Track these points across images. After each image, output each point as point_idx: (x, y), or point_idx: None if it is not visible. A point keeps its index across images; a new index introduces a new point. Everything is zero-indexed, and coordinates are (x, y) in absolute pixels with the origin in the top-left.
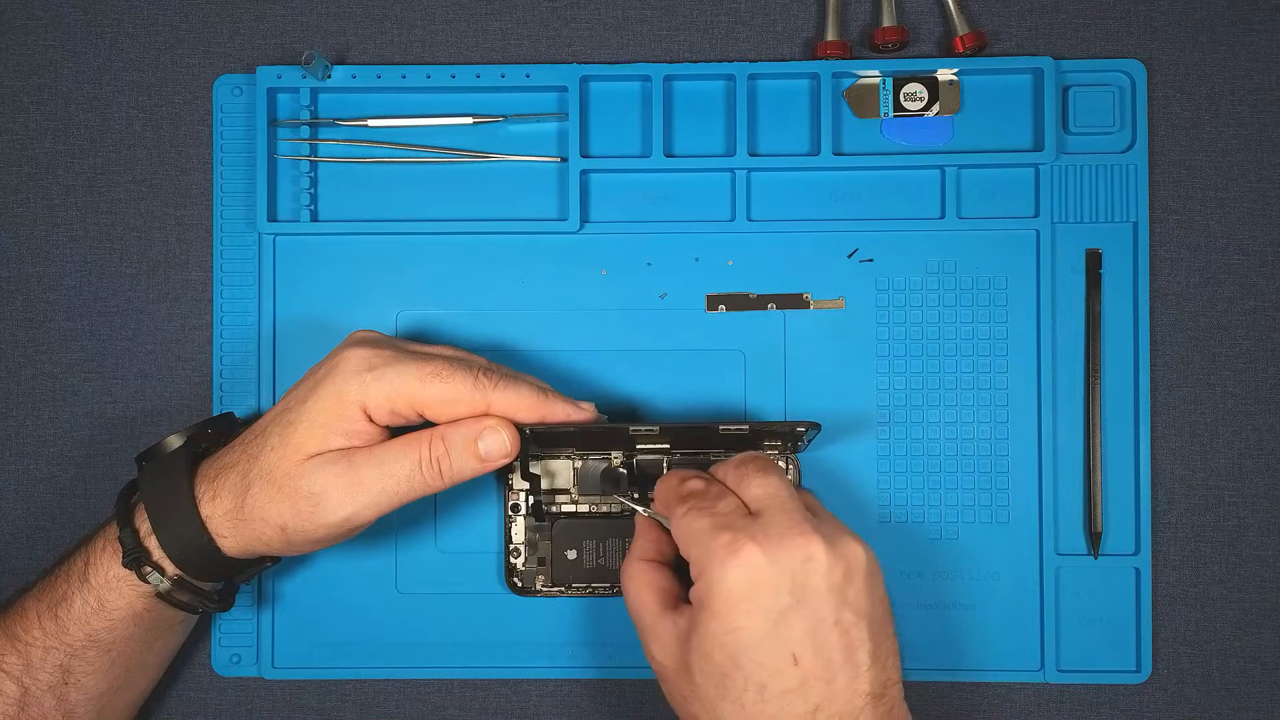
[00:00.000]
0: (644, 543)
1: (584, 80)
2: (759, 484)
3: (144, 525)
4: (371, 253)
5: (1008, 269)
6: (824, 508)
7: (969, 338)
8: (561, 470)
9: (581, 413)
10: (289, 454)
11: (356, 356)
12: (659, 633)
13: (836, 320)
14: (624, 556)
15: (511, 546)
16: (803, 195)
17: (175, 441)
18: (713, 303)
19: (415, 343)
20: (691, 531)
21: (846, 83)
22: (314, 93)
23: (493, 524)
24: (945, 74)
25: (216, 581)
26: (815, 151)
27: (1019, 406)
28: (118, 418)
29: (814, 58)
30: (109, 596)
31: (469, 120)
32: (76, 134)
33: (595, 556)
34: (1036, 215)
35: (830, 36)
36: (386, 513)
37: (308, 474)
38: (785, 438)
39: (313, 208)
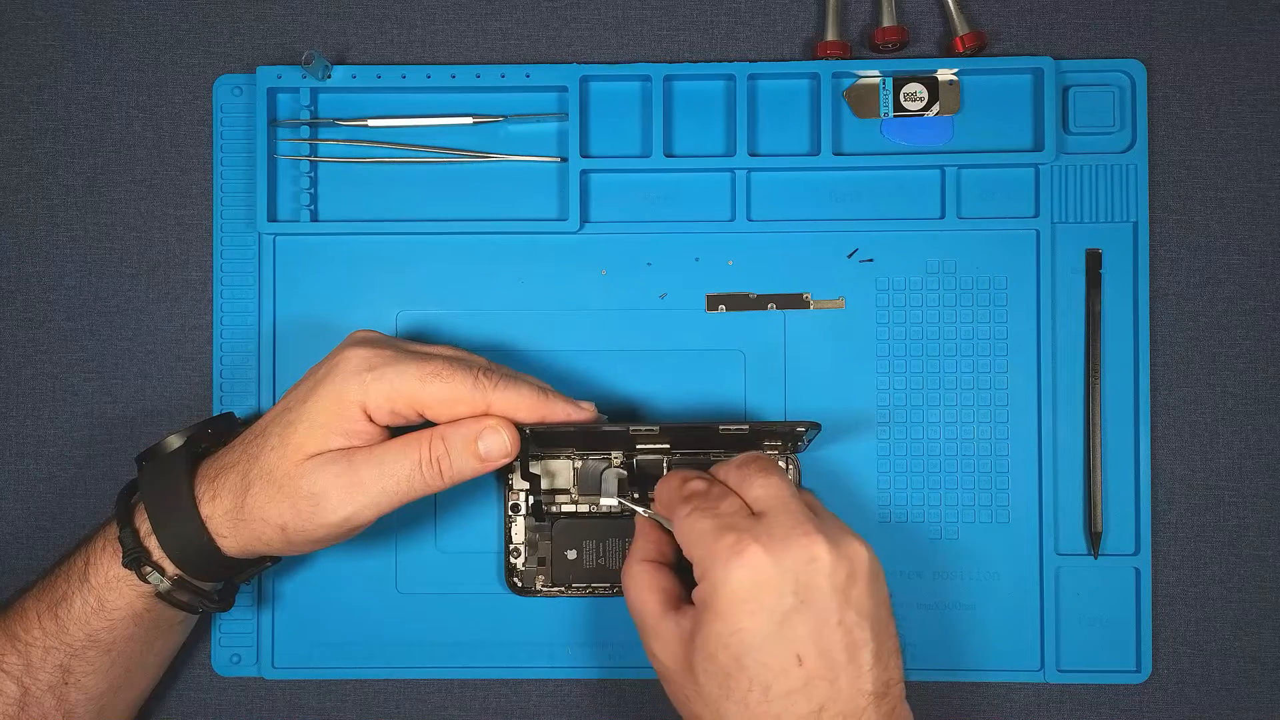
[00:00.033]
0: (644, 543)
1: (584, 80)
2: (761, 484)
3: (144, 525)
4: (371, 253)
5: (1008, 269)
6: (825, 508)
7: (969, 338)
8: (561, 470)
9: (581, 412)
10: (289, 454)
11: (356, 356)
12: (661, 633)
13: (836, 320)
14: (624, 557)
15: (511, 546)
16: (803, 195)
17: (175, 441)
18: (713, 303)
19: (415, 343)
20: (695, 532)
21: (846, 83)
22: (314, 93)
23: (493, 524)
24: (945, 74)
25: (216, 581)
26: (815, 151)
27: (1019, 406)
28: (118, 418)
29: (814, 58)
30: (109, 596)
31: (469, 120)
32: (76, 134)
33: (595, 556)
34: (1036, 215)
35: (830, 36)
36: (386, 513)
37: (308, 474)
38: (785, 438)
39: (313, 208)
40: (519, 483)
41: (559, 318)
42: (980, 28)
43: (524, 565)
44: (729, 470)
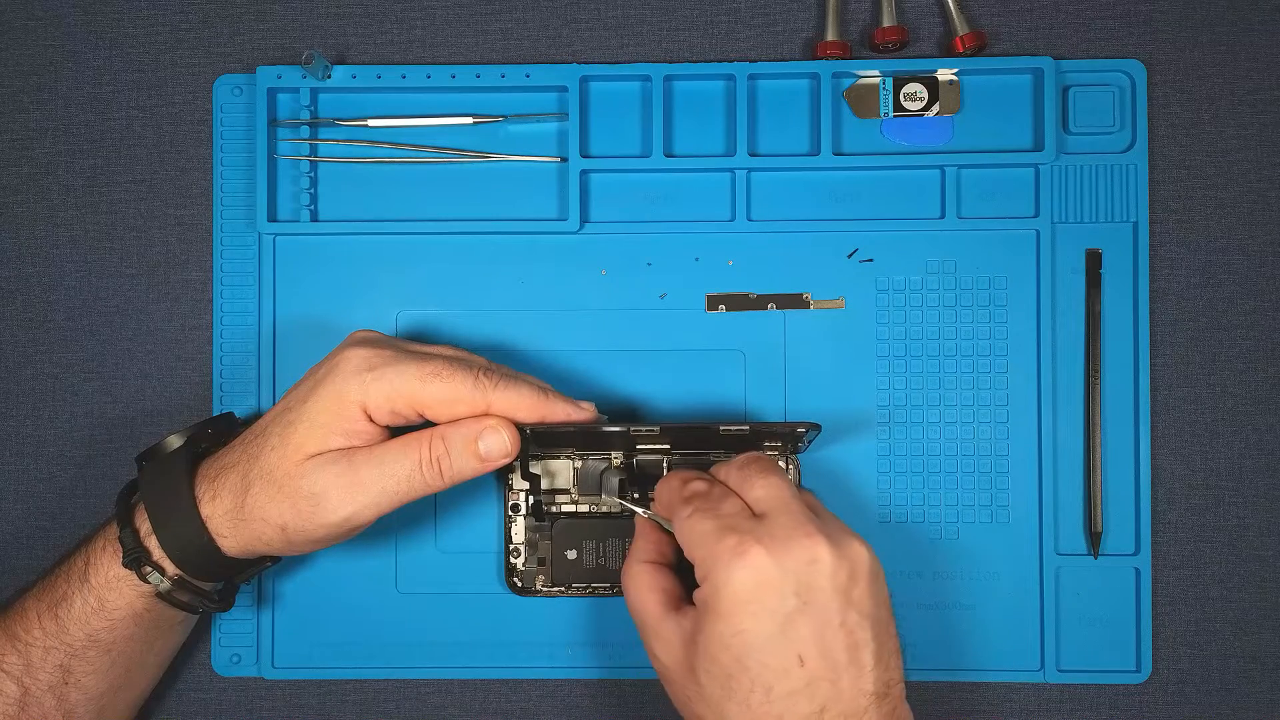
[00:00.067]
0: (644, 544)
1: (584, 80)
2: (762, 485)
3: (144, 525)
4: (371, 253)
5: (1008, 269)
6: (825, 508)
7: (969, 338)
8: (561, 470)
9: (581, 412)
10: (289, 454)
11: (356, 356)
12: (662, 634)
13: (836, 320)
14: (624, 557)
15: (511, 546)
16: (803, 195)
17: (175, 441)
18: (713, 303)
19: (415, 343)
20: (696, 534)
21: (846, 83)
22: (314, 93)
23: (493, 524)
24: (945, 74)
25: (216, 581)
26: (815, 151)
27: (1019, 406)
28: (118, 418)
29: (814, 58)
30: (109, 596)
31: (469, 120)
32: (76, 134)
33: (595, 556)
34: (1036, 215)
35: (830, 36)
36: (386, 512)
37: (308, 474)
38: (785, 438)
39: (313, 208)
40: (519, 483)
41: (559, 318)
42: (980, 28)
43: (524, 565)
44: (730, 471)
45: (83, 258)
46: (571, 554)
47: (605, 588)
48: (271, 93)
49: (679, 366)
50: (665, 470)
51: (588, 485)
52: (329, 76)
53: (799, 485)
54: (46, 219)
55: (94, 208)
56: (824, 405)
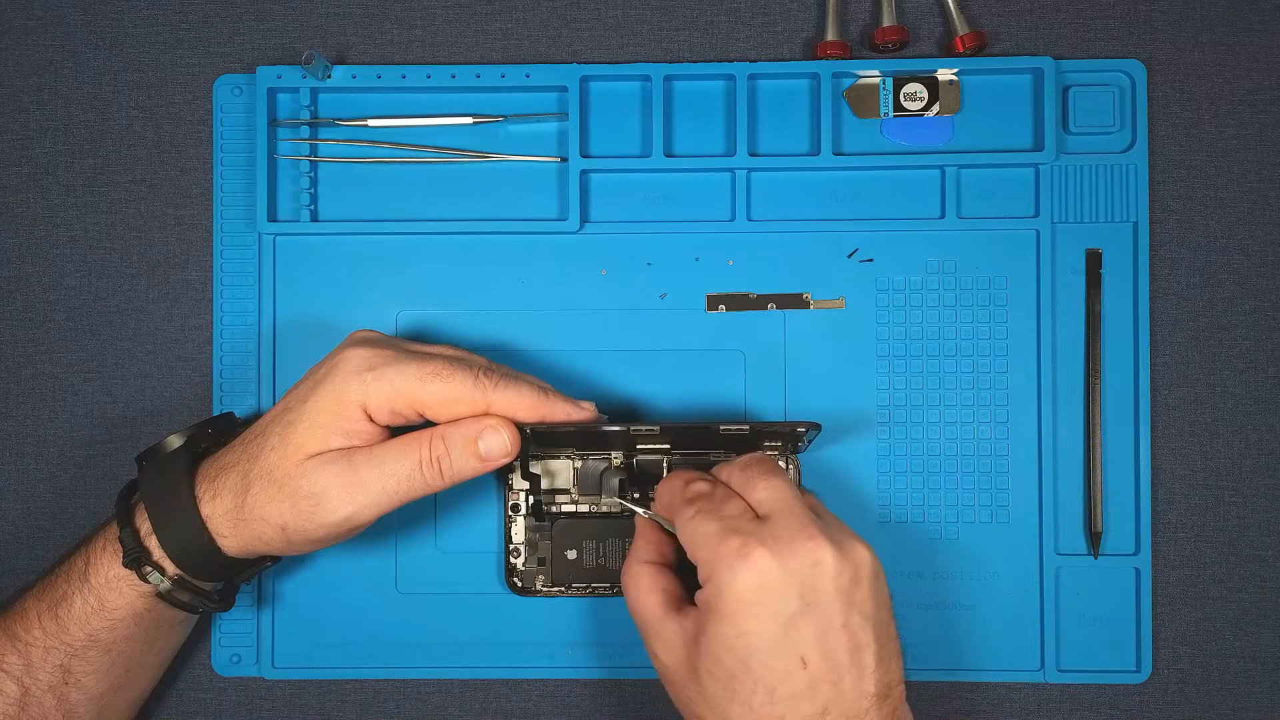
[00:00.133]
0: (645, 545)
1: (584, 80)
2: (765, 487)
3: (144, 525)
4: (371, 253)
5: (1008, 269)
6: (827, 510)
7: (969, 338)
8: (561, 470)
9: (582, 412)
10: (289, 454)
11: (356, 356)
12: (664, 635)
13: (836, 320)
14: (624, 557)
15: (511, 546)
16: (803, 195)
17: (175, 441)
18: (713, 303)
19: (415, 342)
20: (699, 535)
21: (846, 83)
22: (314, 93)
23: (493, 524)
24: (945, 74)
25: (217, 581)
26: (815, 151)
27: (1019, 406)
28: (118, 418)
29: (814, 58)
30: (109, 596)
31: (469, 120)
32: (76, 134)
33: (595, 556)
34: (1036, 215)
35: (830, 36)
36: (387, 512)
37: (308, 474)
38: (785, 438)
39: (313, 208)
40: (519, 483)
41: (559, 318)
42: (980, 28)
43: (524, 565)
44: (732, 472)
45: (83, 258)
46: (571, 554)
47: (605, 588)
48: (271, 93)
49: (679, 366)
50: (665, 470)
51: (588, 485)
52: (329, 76)
53: (800, 486)
54: (46, 219)
55: (94, 208)
56: (824, 405)
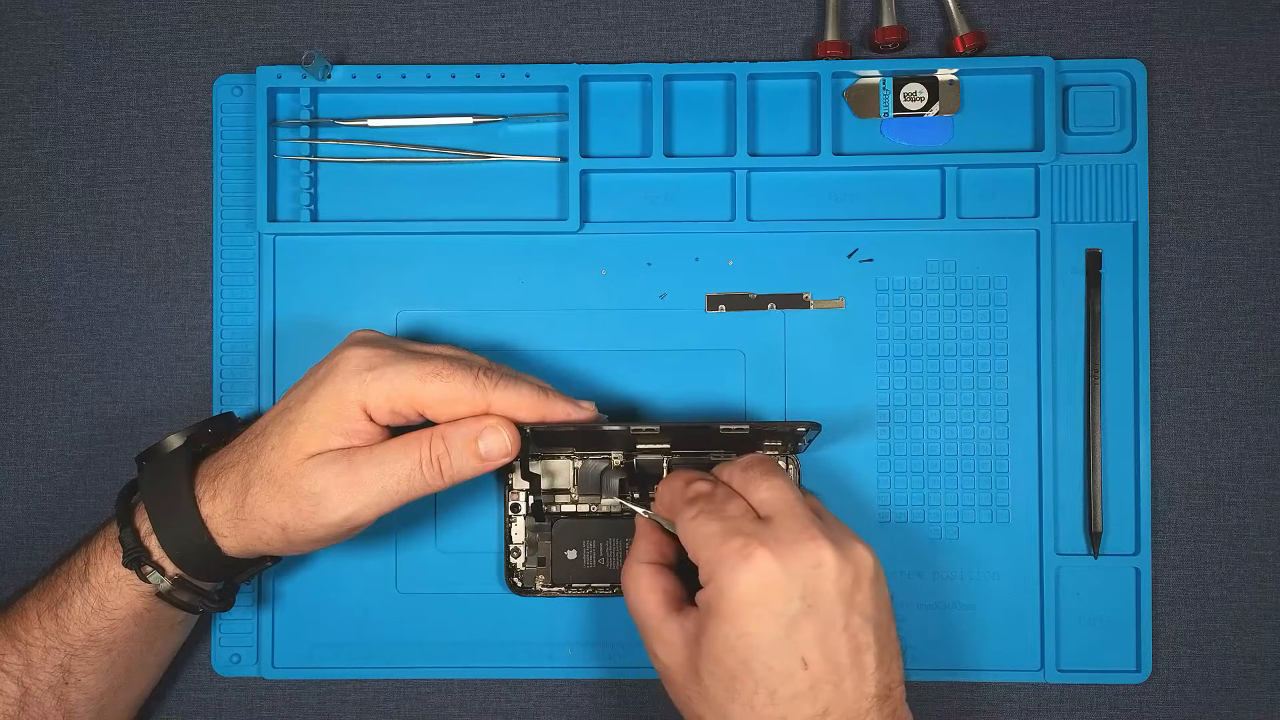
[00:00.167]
0: (645, 545)
1: (584, 80)
2: (767, 487)
3: (144, 525)
4: (371, 253)
5: (1008, 269)
6: (829, 511)
7: (969, 338)
8: (561, 470)
9: (582, 412)
10: (289, 453)
11: (356, 356)
12: (664, 635)
13: (836, 320)
14: (624, 557)
15: (511, 546)
16: (803, 195)
17: (175, 441)
18: (713, 303)
19: (415, 342)
20: (700, 535)
21: (846, 83)
22: (314, 93)
23: (493, 524)
24: (945, 74)
25: (217, 581)
26: (815, 151)
27: (1019, 406)
28: (118, 418)
29: (814, 58)
30: (109, 596)
31: (469, 120)
32: (76, 134)
33: (595, 556)
34: (1036, 215)
35: (830, 36)
36: (387, 512)
37: (308, 473)
38: (785, 438)
39: (313, 208)
40: (519, 483)
41: (559, 318)
42: (980, 28)
43: (524, 565)
44: (733, 472)
45: (83, 258)
46: (571, 554)
47: (605, 588)
48: (271, 93)
49: (679, 366)
50: (665, 470)
51: (588, 485)
52: (329, 76)
53: (801, 486)
54: (46, 219)
55: (94, 208)
56: (824, 405)
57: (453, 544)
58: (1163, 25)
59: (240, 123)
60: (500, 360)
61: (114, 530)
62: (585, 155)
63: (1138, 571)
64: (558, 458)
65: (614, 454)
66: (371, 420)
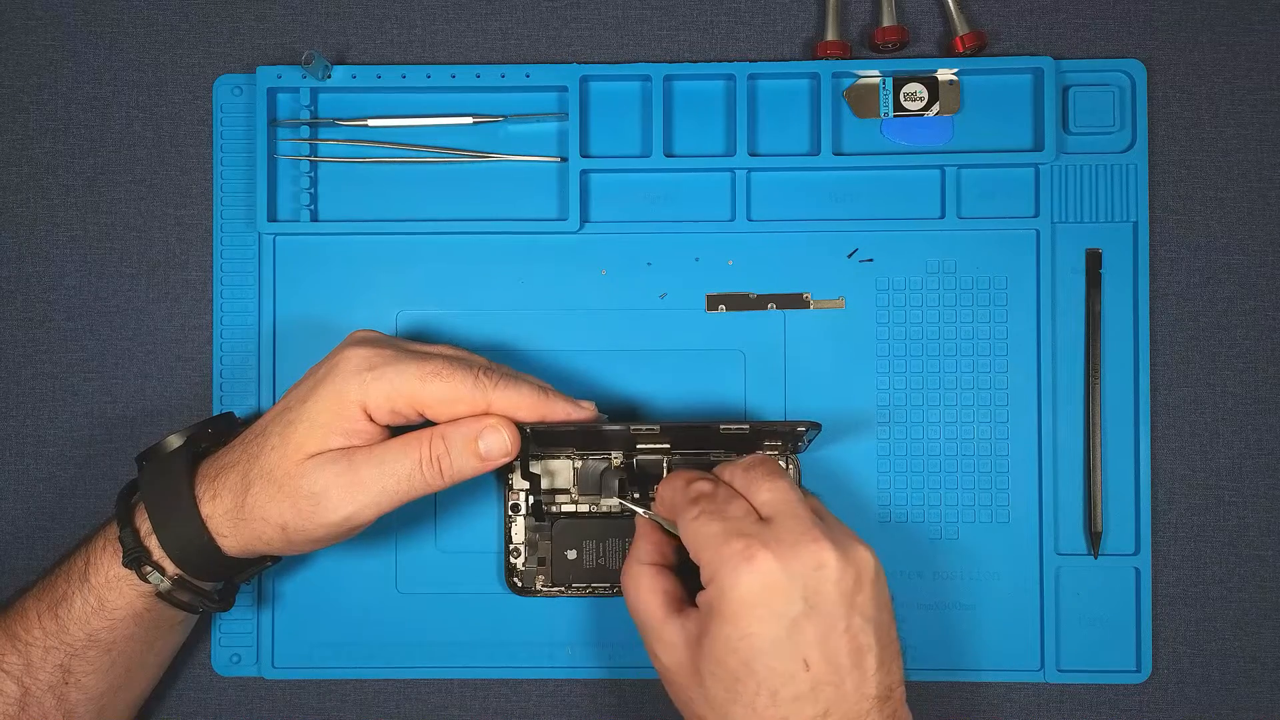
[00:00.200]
0: (645, 545)
1: (584, 80)
2: (769, 489)
3: (144, 525)
4: (371, 253)
5: (1008, 269)
6: (829, 512)
7: (969, 338)
8: (561, 470)
9: (582, 411)
10: (289, 453)
11: (356, 356)
12: (665, 636)
13: (836, 320)
14: (624, 557)
15: (511, 546)
16: (803, 195)
17: (175, 441)
18: (713, 303)
19: (415, 342)
20: (702, 536)
21: (846, 83)
22: (314, 93)
23: (493, 524)
24: (945, 74)
25: (217, 581)
26: (815, 151)
27: (1019, 406)
28: (118, 418)
29: (814, 58)
30: (109, 596)
31: (469, 120)
32: (76, 134)
33: (595, 556)
34: (1036, 215)
35: (830, 36)
36: (387, 512)
37: (308, 473)
38: (785, 438)
39: (313, 208)
40: (519, 482)
41: (559, 318)
42: (980, 28)
43: (524, 565)
44: (734, 472)
45: (83, 258)
46: (571, 554)
47: (605, 588)
48: (271, 93)
49: (679, 366)
50: (665, 470)
51: (588, 485)
52: (329, 76)
53: (801, 487)
54: (46, 219)
55: (94, 208)
56: (824, 405)
57: (453, 544)
58: (1163, 25)
59: (240, 123)
60: (500, 360)
61: (114, 530)
62: (585, 155)
63: (1138, 571)
64: (558, 458)
65: (614, 454)
66: (371, 420)
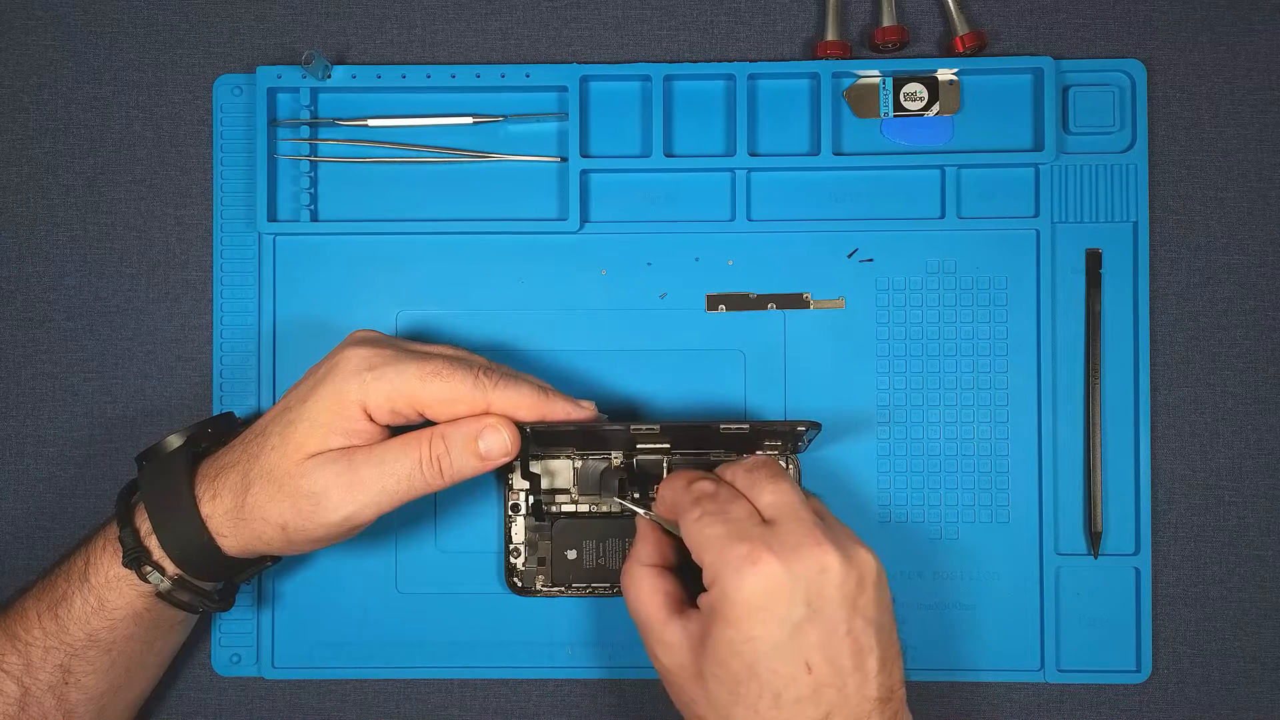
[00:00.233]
0: (646, 546)
1: (584, 80)
2: (772, 491)
3: (144, 525)
4: (371, 253)
5: (1008, 269)
6: (831, 514)
7: (969, 338)
8: (561, 470)
9: (582, 411)
10: (289, 453)
11: (356, 356)
12: (666, 638)
13: (836, 320)
14: (624, 557)
15: (511, 546)
16: (803, 195)
17: (175, 441)
18: (713, 303)
19: (415, 342)
20: (705, 538)
21: (846, 83)
22: (314, 93)
23: (493, 524)
24: (945, 74)
25: (217, 581)
26: (815, 151)
27: (1019, 406)
28: (118, 418)
29: (814, 58)
30: (109, 596)
31: (469, 120)
32: (76, 134)
33: (595, 556)
34: (1036, 215)
35: (830, 36)
36: (387, 511)
37: (308, 473)
38: (785, 437)
39: (313, 208)
40: (519, 482)
41: (559, 318)
42: (980, 28)
43: (524, 565)
44: (737, 473)
45: (83, 258)
46: (571, 554)
47: (605, 588)
48: (271, 93)
49: (679, 366)
50: (665, 470)
51: (588, 485)
52: (329, 76)
53: (803, 488)
54: (46, 219)
55: (94, 208)
56: (824, 405)
57: (453, 544)
58: (1163, 25)
59: (240, 123)
60: (500, 360)
61: (114, 530)
62: (585, 155)
63: (1138, 571)
64: (558, 458)
65: (614, 454)
66: (371, 420)
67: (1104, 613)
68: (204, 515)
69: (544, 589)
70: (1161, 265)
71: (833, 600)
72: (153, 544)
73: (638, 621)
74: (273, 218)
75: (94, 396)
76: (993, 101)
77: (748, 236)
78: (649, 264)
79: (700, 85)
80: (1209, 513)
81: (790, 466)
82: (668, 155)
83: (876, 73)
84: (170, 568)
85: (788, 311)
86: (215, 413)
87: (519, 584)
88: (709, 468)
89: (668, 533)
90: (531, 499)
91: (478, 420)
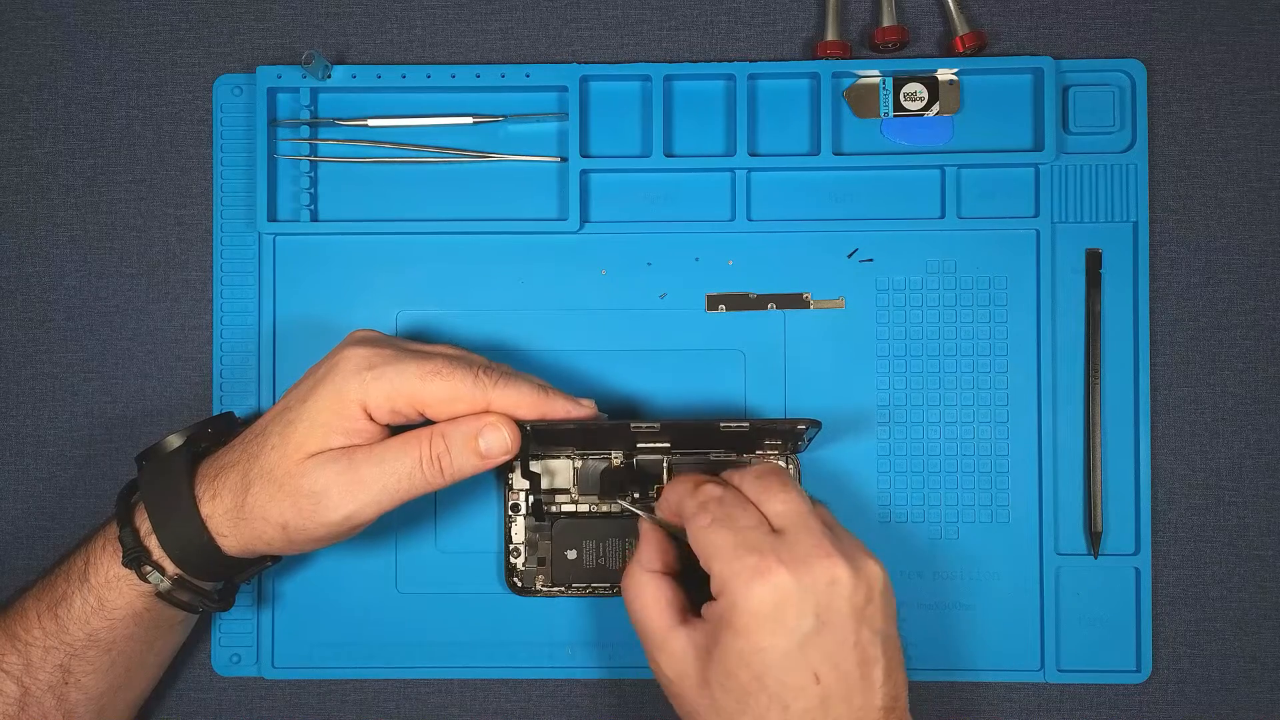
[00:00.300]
0: (649, 551)
1: (584, 80)
2: (781, 499)
3: (144, 525)
4: (371, 253)
5: (1008, 269)
6: (839, 523)
7: (969, 338)
8: (561, 470)
9: (582, 409)
10: (289, 453)
11: (356, 355)
12: (669, 647)
13: (836, 320)
14: (624, 557)
15: (511, 546)
16: (803, 195)
17: (175, 441)
18: (713, 303)
19: (415, 342)
20: (714, 545)
21: (846, 83)
22: (314, 93)
23: (493, 524)
24: (945, 74)
25: (217, 581)
26: (815, 151)
27: (1019, 406)
28: (118, 418)
29: (814, 58)
30: (109, 596)
31: (469, 120)
32: (76, 134)
33: (595, 556)
34: (1036, 215)
35: (830, 36)
36: (387, 510)
37: (308, 472)
38: (786, 436)
39: (313, 208)
40: (519, 482)
41: (559, 318)
42: (980, 28)
43: (524, 565)
44: (744, 479)
45: (83, 258)
46: (571, 554)
47: (605, 588)
48: (271, 93)
49: (679, 366)
50: (665, 470)
51: (588, 485)
52: (329, 76)
53: (809, 495)
54: (46, 219)
55: (94, 208)
56: (824, 405)
57: (453, 544)
58: (1163, 25)
59: (240, 123)
60: (500, 360)
61: (114, 530)
62: (585, 155)
63: (1138, 571)
64: (558, 457)
65: (614, 453)
66: (371, 419)
67: (1104, 613)
68: (204, 515)
69: (544, 589)
70: (1161, 265)
71: (841, 612)
72: (152, 544)
73: (639, 628)
74: (273, 218)
75: (94, 396)
76: (993, 101)
77: (748, 236)
78: (649, 264)
79: (700, 85)
80: (1209, 513)
81: (790, 466)
82: (668, 155)
83: (876, 73)
84: (170, 567)
85: (788, 311)
86: (215, 413)
87: (519, 584)
88: (709, 467)
89: (670, 535)
90: (531, 499)
91: (478, 419)
